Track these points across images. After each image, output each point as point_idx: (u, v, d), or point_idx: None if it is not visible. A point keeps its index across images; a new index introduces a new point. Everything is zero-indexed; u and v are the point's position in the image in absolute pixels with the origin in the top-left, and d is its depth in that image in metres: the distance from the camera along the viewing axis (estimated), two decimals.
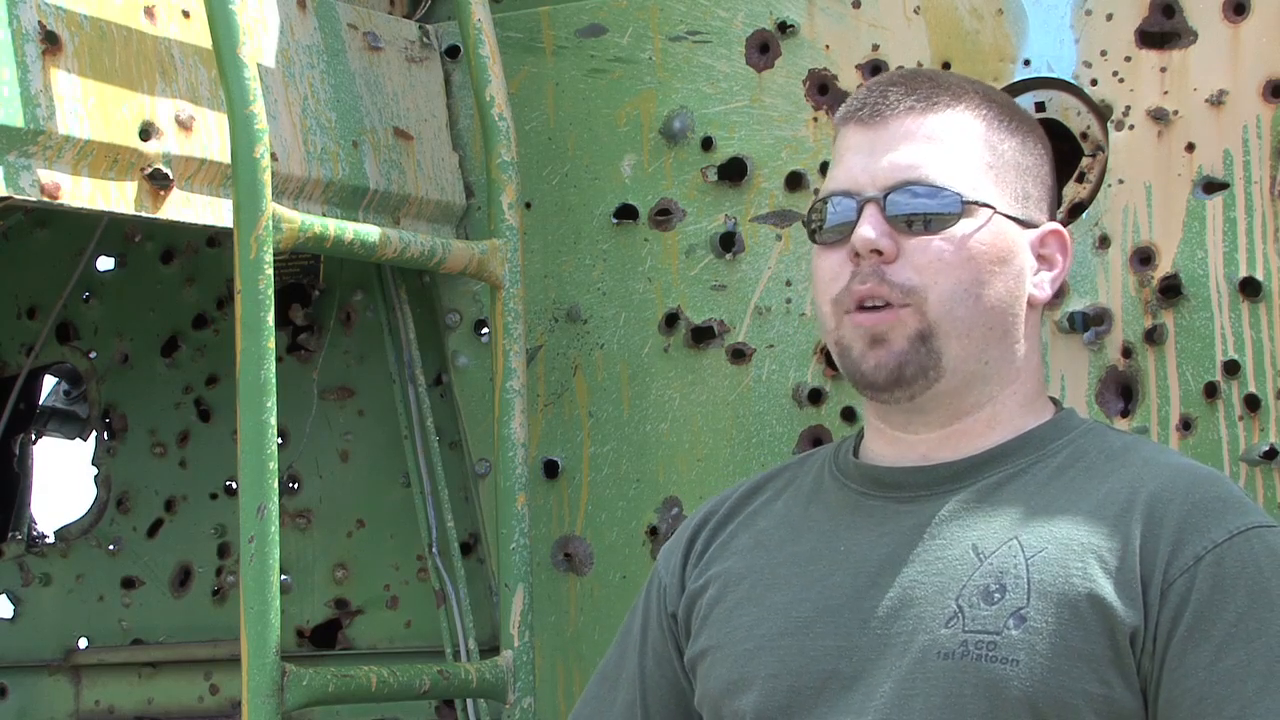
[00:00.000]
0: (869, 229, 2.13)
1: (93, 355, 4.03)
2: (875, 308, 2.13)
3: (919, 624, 2.07)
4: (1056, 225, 2.23)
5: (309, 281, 3.74)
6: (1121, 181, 3.00)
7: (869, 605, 2.11)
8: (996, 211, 2.16)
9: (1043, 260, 2.22)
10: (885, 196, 2.14)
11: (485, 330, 3.46)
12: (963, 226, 2.14)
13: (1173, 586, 2.01)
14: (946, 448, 2.18)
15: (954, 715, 2.02)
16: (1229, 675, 1.99)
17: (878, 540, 2.15)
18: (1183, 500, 2.05)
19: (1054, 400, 2.26)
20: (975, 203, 2.14)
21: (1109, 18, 3.02)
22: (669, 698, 2.31)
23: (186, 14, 2.99)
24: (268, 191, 2.82)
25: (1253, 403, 2.91)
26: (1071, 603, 2.02)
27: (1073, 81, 3.04)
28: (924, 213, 2.14)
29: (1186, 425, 2.94)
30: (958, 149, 2.17)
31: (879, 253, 2.13)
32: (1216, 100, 2.95)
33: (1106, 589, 2.02)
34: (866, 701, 2.06)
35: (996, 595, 2.05)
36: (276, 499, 2.78)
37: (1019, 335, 2.19)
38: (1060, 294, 3.03)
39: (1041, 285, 2.22)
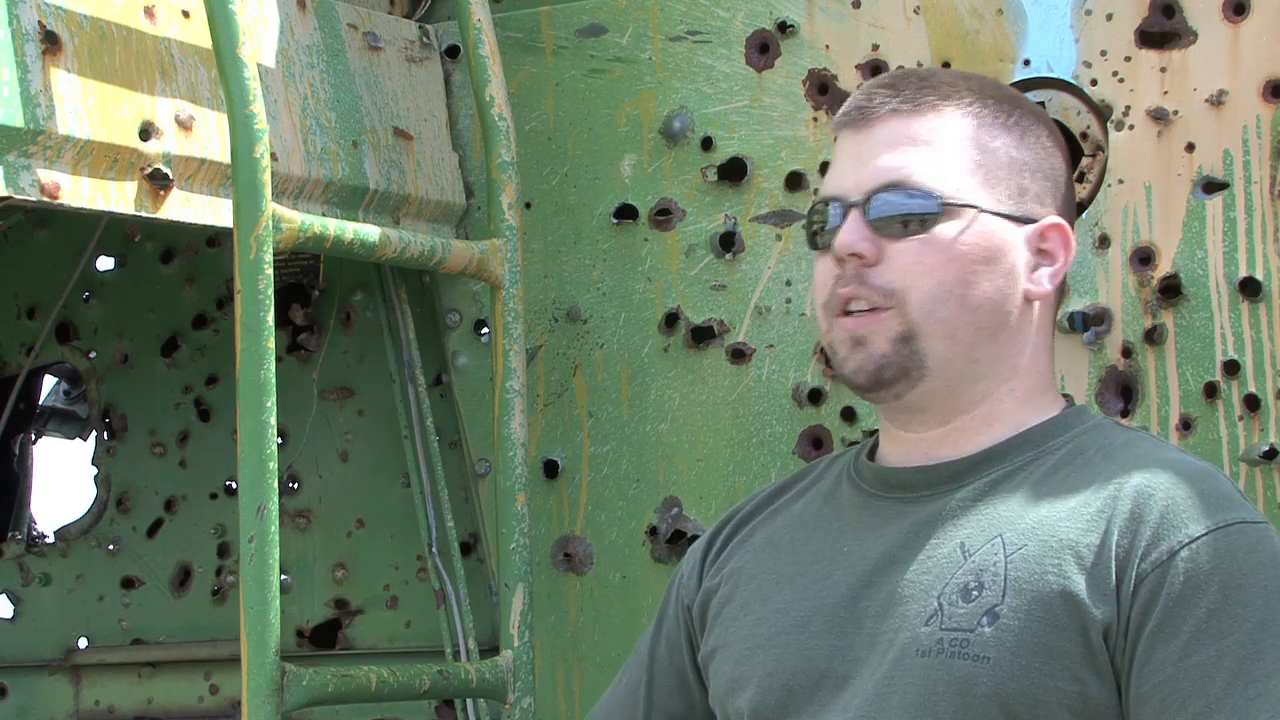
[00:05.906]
0: (849, 233, 2.16)
1: (93, 355, 4.02)
2: (860, 311, 2.15)
3: (903, 622, 2.08)
4: (1058, 219, 2.21)
5: (309, 281, 3.74)
6: (1121, 181, 3.00)
7: (863, 605, 2.12)
8: (982, 211, 2.15)
9: (1042, 254, 2.21)
10: (867, 201, 2.16)
11: (485, 330, 3.46)
12: (945, 228, 2.14)
13: (1144, 581, 2.01)
14: (946, 445, 2.19)
15: (927, 713, 2.03)
16: (1196, 671, 1.98)
17: (878, 540, 2.16)
18: (1165, 495, 2.05)
19: (1067, 396, 2.25)
20: (957, 204, 2.14)
21: (1109, 18, 3.02)
22: (673, 682, 2.36)
23: (186, 14, 2.99)
24: (268, 191, 2.82)
25: (1253, 403, 2.91)
26: (1045, 600, 2.02)
27: (1072, 81, 3.04)
28: (903, 215, 2.15)
29: (1186, 425, 2.94)
30: (941, 150, 2.17)
31: (860, 256, 2.14)
32: (1216, 100, 2.95)
33: (1080, 586, 2.02)
34: (852, 700, 2.08)
35: (974, 593, 2.05)
36: (276, 499, 2.78)
37: (1015, 332, 2.19)
38: (1063, 292, 3.03)
39: (1039, 280, 2.21)
